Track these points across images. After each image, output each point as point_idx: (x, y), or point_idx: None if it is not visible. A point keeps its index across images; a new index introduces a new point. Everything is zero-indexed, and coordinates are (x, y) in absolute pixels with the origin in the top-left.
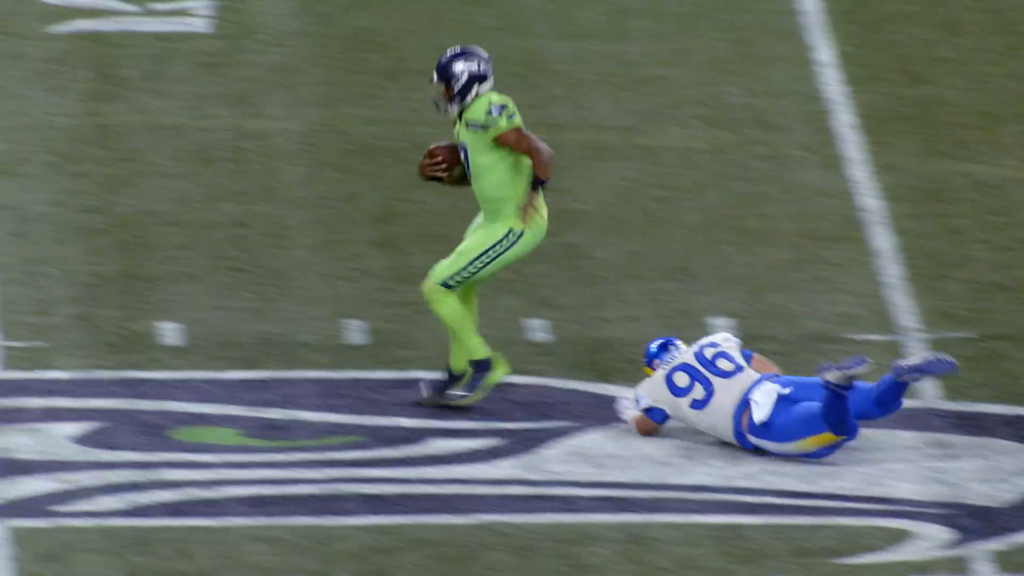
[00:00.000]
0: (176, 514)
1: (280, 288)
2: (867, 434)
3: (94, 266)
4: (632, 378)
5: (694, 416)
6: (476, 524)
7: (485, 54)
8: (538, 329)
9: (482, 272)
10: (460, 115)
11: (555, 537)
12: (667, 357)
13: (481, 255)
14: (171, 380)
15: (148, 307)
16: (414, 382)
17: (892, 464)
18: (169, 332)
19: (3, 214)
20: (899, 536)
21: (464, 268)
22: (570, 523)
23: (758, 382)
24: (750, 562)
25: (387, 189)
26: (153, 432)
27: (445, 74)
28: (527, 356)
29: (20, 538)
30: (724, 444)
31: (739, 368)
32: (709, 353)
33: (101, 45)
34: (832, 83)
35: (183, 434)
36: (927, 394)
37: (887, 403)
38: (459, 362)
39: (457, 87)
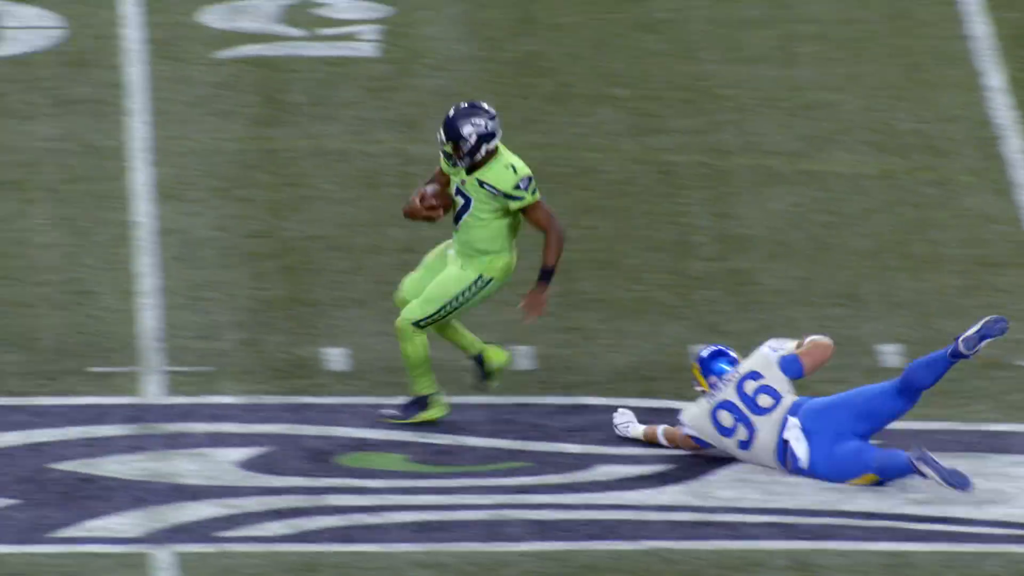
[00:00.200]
0: (341, 539)
1: None
2: None
3: (259, 291)
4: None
5: (741, 455)
6: (642, 550)
7: (492, 110)
8: None
9: (453, 314)
10: (469, 170)
11: (722, 564)
12: (715, 370)
13: (451, 301)
14: (337, 405)
15: (314, 332)
16: (582, 408)
17: None
18: (335, 357)
19: (169, 238)
20: None
21: (435, 313)
22: (737, 549)
23: (785, 419)
24: None
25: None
26: (319, 457)
27: (453, 135)
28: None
29: (186, 563)
30: None
31: (778, 399)
32: (750, 388)
33: (268, 70)
34: (1003, 108)
35: (349, 459)
36: None
37: (931, 372)
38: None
39: (466, 148)
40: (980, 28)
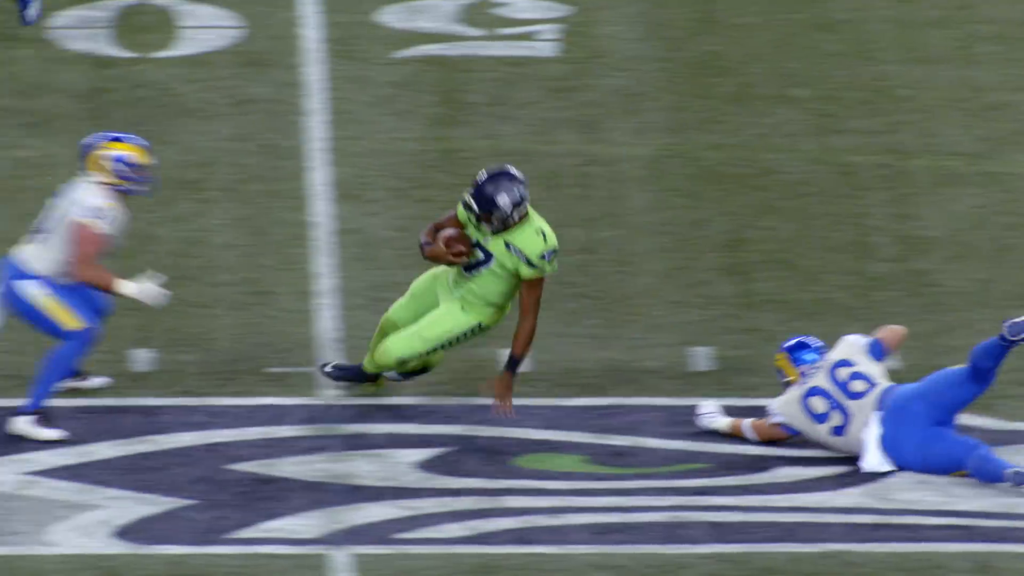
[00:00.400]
0: (519, 541)
1: (626, 315)
2: None
3: None
4: (989, 409)
5: (834, 442)
6: (821, 553)
7: (520, 174)
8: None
9: (436, 353)
10: (496, 231)
11: (902, 567)
12: (803, 359)
13: (444, 343)
14: (515, 407)
15: (492, 333)
16: (760, 409)
17: None
18: None
19: (347, 238)
20: None
21: (424, 351)
22: (917, 552)
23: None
24: None
25: (734, 215)
26: (497, 459)
27: (487, 207)
28: None
29: (363, 565)
30: None
31: (872, 385)
32: (843, 374)
33: (446, 70)
34: None
35: (527, 461)
36: None
37: (989, 356)
38: (371, 365)
39: (499, 216)
40: None
